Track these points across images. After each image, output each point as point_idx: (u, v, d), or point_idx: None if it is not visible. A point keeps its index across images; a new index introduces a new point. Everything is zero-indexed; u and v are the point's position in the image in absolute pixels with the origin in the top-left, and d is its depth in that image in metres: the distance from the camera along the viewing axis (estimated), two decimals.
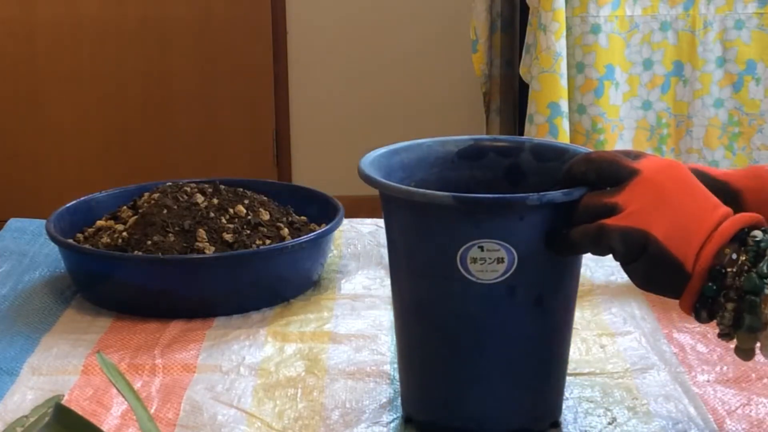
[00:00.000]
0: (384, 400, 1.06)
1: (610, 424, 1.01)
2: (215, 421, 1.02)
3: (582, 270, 1.37)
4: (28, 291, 1.33)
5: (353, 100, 3.69)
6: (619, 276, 1.36)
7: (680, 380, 1.09)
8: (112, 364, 0.86)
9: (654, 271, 0.89)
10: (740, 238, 0.88)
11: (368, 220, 1.55)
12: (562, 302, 0.98)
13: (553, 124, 2.52)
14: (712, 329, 1.20)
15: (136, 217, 1.33)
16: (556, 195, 0.92)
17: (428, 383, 1.00)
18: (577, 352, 1.16)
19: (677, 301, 0.91)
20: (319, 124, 3.73)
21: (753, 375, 1.10)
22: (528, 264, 0.93)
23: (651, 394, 1.07)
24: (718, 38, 2.56)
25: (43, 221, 1.55)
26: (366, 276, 1.37)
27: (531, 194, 0.91)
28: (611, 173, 0.91)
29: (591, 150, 0.99)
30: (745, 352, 0.89)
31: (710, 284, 0.87)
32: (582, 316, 1.25)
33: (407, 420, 1.02)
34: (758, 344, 0.87)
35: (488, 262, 0.92)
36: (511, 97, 2.91)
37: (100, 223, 1.39)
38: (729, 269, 0.87)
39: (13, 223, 1.55)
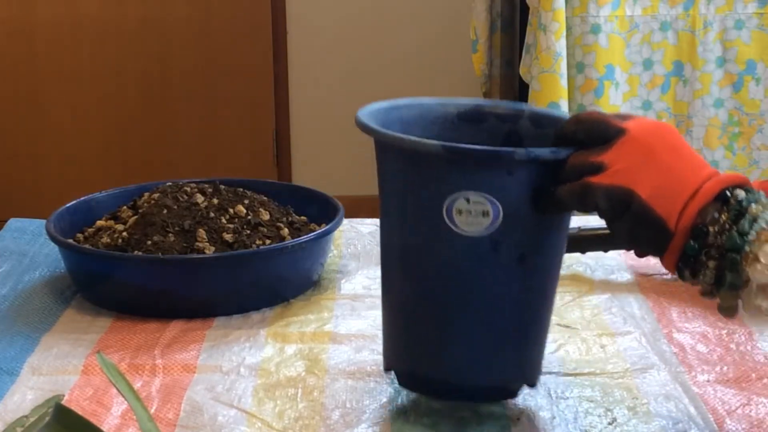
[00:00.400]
0: (384, 399, 1.06)
1: (610, 424, 1.01)
2: (215, 422, 1.02)
3: (582, 269, 1.37)
4: (28, 291, 1.33)
5: (353, 100, 3.68)
6: (619, 275, 1.36)
7: (680, 380, 1.09)
8: (112, 365, 0.86)
9: (637, 228, 0.90)
10: (723, 198, 0.89)
11: (368, 220, 1.55)
12: (546, 264, 0.99)
13: None
14: (712, 329, 1.20)
15: (135, 217, 1.33)
16: (543, 152, 0.93)
17: (410, 333, 1.01)
18: (577, 352, 1.16)
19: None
20: (319, 124, 3.73)
21: (753, 375, 1.10)
22: (513, 220, 0.93)
23: (651, 393, 1.07)
24: (718, 38, 2.56)
25: (43, 221, 1.55)
26: (366, 276, 1.37)
27: (519, 149, 0.93)
28: (599, 132, 0.93)
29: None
30: (727, 310, 0.89)
31: (692, 242, 0.88)
32: (582, 316, 1.25)
33: (387, 369, 1.05)
34: (741, 302, 0.88)
35: (473, 214, 0.93)
36: (511, 97, 2.91)
37: (100, 223, 1.39)
38: (711, 228, 0.87)
39: (13, 223, 1.55)
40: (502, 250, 0.95)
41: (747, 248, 0.86)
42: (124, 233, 1.30)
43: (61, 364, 1.13)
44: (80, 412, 0.99)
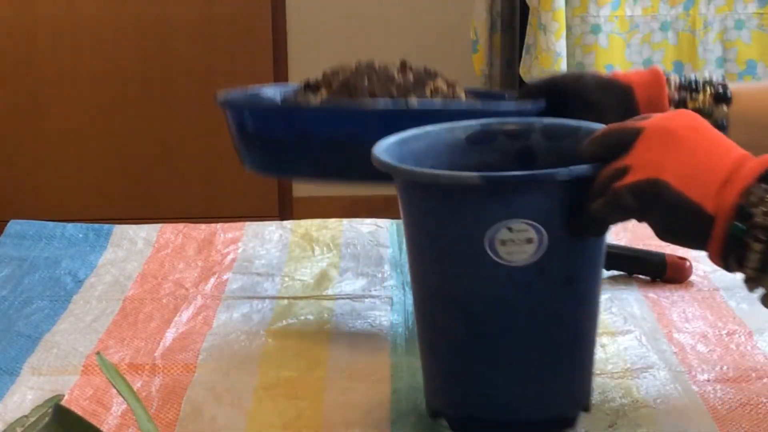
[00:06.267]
0: (384, 400, 1.06)
1: (610, 426, 1.01)
2: (215, 422, 1.02)
3: None
4: (29, 292, 1.33)
5: None
6: (619, 275, 1.36)
7: (680, 379, 1.09)
8: (112, 366, 0.86)
9: (672, 218, 0.85)
10: (766, 179, 0.84)
11: (368, 220, 1.55)
12: (591, 281, 0.96)
13: None
14: (712, 330, 1.20)
15: (336, 85, 1.21)
16: (583, 168, 0.90)
17: (457, 374, 0.97)
18: None
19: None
20: None
21: (753, 374, 1.10)
22: (558, 243, 0.90)
23: (651, 393, 1.07)
24: (718, 38, 2.56)
25: (43, 222, 1.55)
26: (366, 276, 1.37)
27: (560, 169, 0.89)
28: (618, 141, 0.89)
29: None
30: None
31: (737, 223, 0.83)
32: None
33: (434, 415, 1.00)
34: None
35: (517, 243, 0.90)
36: None
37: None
38: (756, 209, 0.82)
39: (13, 226, 1.55)
40: (549, 275, 0.92)
41: None
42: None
43: (61, 364, 1.13)
44: (80, 412, 0.99)
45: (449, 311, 0.96)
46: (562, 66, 2.50)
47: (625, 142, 0.89)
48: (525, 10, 2.65)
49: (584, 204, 0.90)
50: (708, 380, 1.09)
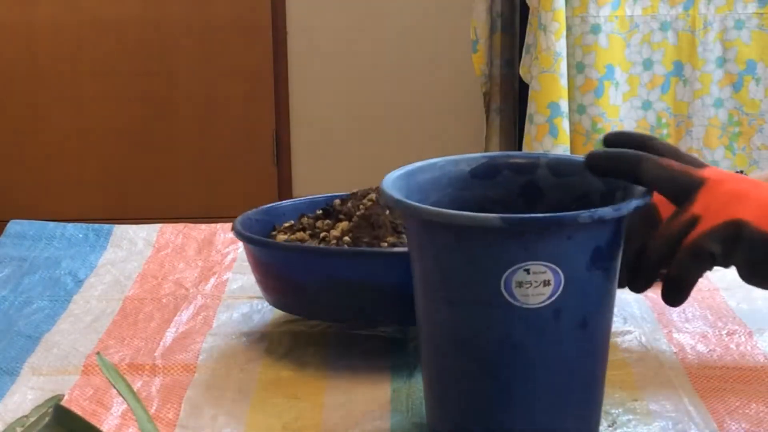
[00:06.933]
0: (384, 400, 1.06)
1: (610, 426, 1.01)
2: (215, 422, 1.02)
3: None
4: (29, 292, 1.33)
5: (353, 100, 3.70)
6: None
7: (680, 380, 1.09)
8: (112, 366, 0.86)
9: (757, 256, 0.85)
10: None
11: None
12: (604, 322, 0.94)
13: (553, 124, 2.52)
14: (712, 330, 1.20)
15: (355, 218, 1.18)
16: (606, 211, 0.88)
17: (467, 416, 0.94)
18: None
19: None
20: (319, 124, 3.73)
21: (753, 374, 1.10)
22: (574, 285, 0.89)
23: (651, 393, 1.07)
24: (718, 38, 2.56)
25: (43, 222, 1.55)
26: None
27: (583, 212, 0.87)
28: (681, 187, 0.88)
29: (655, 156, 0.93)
30: None
31: None
32: None
33: None
34: None
35: (534, 285, 0.88)
36: (511, 97, 2.92)
37: (282, 234, 1.23)
38: None
39: (13, 226, 1.55)
40: (564, 318, 0.90)
41: None
42: (346, 237, 1.16)
43: (61, 364, 1.14)
44: (80, 412, 0.99)
45: (461, 352, 0.93)
46: (562, 66, 2.50)
47: (688, 190, 0.87)
48: (525, 10, 2.65)
49: (604, 245, 0.89)
50: (708, 380, 1.09)
